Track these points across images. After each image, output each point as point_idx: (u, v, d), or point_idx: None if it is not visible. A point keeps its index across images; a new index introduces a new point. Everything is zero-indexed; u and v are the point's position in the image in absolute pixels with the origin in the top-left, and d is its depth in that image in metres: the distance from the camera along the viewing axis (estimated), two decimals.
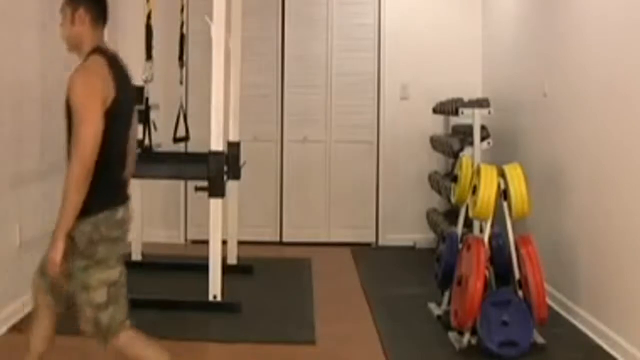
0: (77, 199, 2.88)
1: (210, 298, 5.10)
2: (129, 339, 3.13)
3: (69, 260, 3.00)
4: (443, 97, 6.80)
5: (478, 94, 6.91)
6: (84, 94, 2.91)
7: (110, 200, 3.05)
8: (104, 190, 3.00)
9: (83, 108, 2.89)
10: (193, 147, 6.29)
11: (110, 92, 2.96)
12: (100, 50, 3.06)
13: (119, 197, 3.14)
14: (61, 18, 3.12)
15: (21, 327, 4.67)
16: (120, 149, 3.13)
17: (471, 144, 5.89)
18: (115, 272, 3.07)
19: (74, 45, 3.11)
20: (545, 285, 4.44)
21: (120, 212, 3.09)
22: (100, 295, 3.03)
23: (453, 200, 5.32)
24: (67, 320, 3.22)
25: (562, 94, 5.26)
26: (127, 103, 3.15)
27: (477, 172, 4.69)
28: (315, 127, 7.39)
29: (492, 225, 4.61)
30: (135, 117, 3.30)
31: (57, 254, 2.91)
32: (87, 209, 2.94)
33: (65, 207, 2.89)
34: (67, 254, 2.96)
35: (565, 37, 5.21)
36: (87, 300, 3.04)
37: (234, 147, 6.11)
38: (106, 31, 5.13)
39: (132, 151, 3.33)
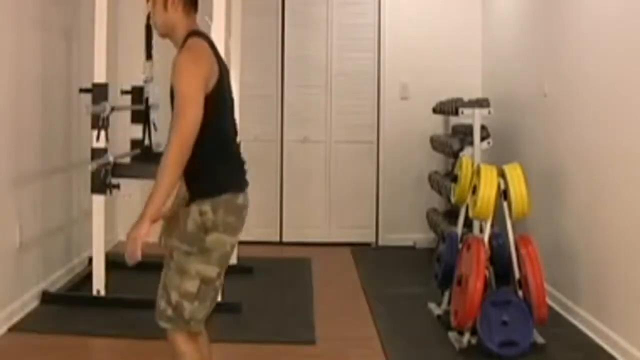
0: (170, 180, 2.81)
1: None
2: (192, 344, 3.01)
3: (171, 239, 2.94)
4: (443, 97, 6.79)
5: (478, 94, 6.91)
6: (187, 76, 2.88)
7: (230, 184, 2.97)
8: (224, 172, 2.94)
9: (186, 90, 2.86)
10: None
11: (214, 72, 2.92)
12: (198, 32, 3.03)
13: (240, 182, 3.04)
14: (150, 4, 3.10)
15: (21, 327, 4.68)
16: (233, 131, 3.07)
17: (471, 144, 5.88)
18: (213, 270, 2.95)
19: (167, 32, 3.10)
20: (545, 285, 4.44)
21: (240, 198, 2.99)
22: (192, 285, 2.92)
23: (453, 200, 5.32)
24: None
25: (562, 94, 5.26)
26: (229, 85, 3.08)
27: (477, 172, 4.69)
28: (315, 127, 7.39)
29: (492, 225, 4.61)
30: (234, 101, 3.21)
31: (142, 232, 2.79)
32: (206, 191, 2.88)
33: (158, 188, 2.80)
34: (172, 229, 2.90)
35: (565, 37, 5.21)
36: (177, 284, 2.93)
37: None
38: (106, 31, 5.15)
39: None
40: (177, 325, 2.97)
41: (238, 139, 3.22)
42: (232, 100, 3.12)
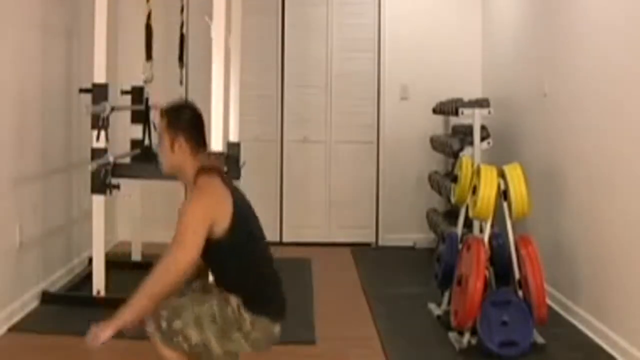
0: (144, 306, 2.87)
1: None
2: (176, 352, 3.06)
3: (216, 298, 3.01)
4: (443, 97, 6.80)
5: (478, 94, 6.91)
6: (190, 217, 2.90)
7: (270, 309, 3.09)
8: (260, 302, 3.03)
9: (185, 231, 2.89)
10: None
11: (227, 210, 2.94)
12: (207, 169, 3.03)
13: (279, 310, 3.17)
14: (157, 138, 3.11)
15: (21, 327, 4.68)
16: (266, 258, 3.15)
17: (471, 144, 5.88)
18: (218, 351, 3.01)
19: (175, 172, 3.09)
20: (545, 285, 4.44)
21: (277, 328, 3.12)
22: (194, 337, 2.96)
23: (453, 200, 5.32)
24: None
25: (562, 94, 5.26)
26: (250, 215, 3.11)
27: (477, 172, 4.69)
28: (315, 127, 7.39)
29: (492, 225, 4.61)
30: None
31: (105, 335, 2.86)
32: (249, 304, 2.98)
33: (135, 304, 2.88)
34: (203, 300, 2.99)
35: (565, 37, 5.21)
36: (186, 322, 2.97)
37: (234, 148, 6.11)
38: (106, 31, 5.14)
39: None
40: (162, 337, 3.01)
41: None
42: (260, 229, 3.17)
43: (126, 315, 2.88)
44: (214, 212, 2.94)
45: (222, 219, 2.94)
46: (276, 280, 3.19)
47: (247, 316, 3.00)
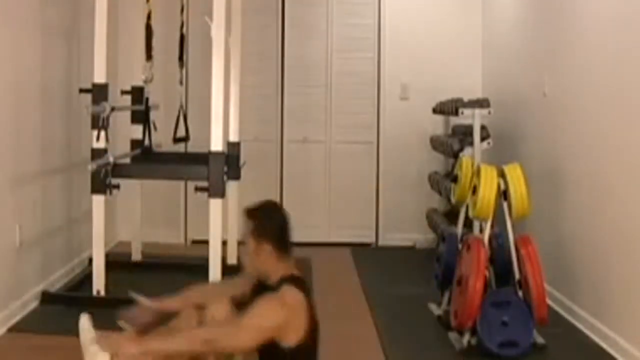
0: (180, 347, 2.83)
1: None
2: None
3: None
4: (443, 97, 6.79)
5: (478, 94, 6.91)
6: (263, 311, 2.84)
7: None
8: None
9: (254, 320, 2.83)
10: (193, 147, 6.29)
11: (300, 325, 2.92)
12: (293, 279, 2.97)
13: None
14: (245, 242, 3.05)
15: (21, 327, 4.68)
16: None
17: (471, 144, 5.88)
18: None
19: (260, 274, 3.03)
20: (545, 285, 4.43)
21: None
22: None
23: (453, 200, 5.32)
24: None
25: (562, 94, 5.26)
26: (316, 340, 3.10)
27: (477, 173, 4.69)
28: (315, 127, 7.39)
29: (492, 225, 4.61)
30: None
31: (130, 351, 2.84)
32: None
33: (171, 342, 2.85)
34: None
35: (565, 37, 5.21)
36: None
37: (234, 147, 6.11)
38: (106, 31, 5.14)
39: None
40: None
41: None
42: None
43: (157, 346, 2.85)
44: (283, 319, 2.88)
45: (293, 331, 2.91)
46: None
47: None
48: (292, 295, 2.92)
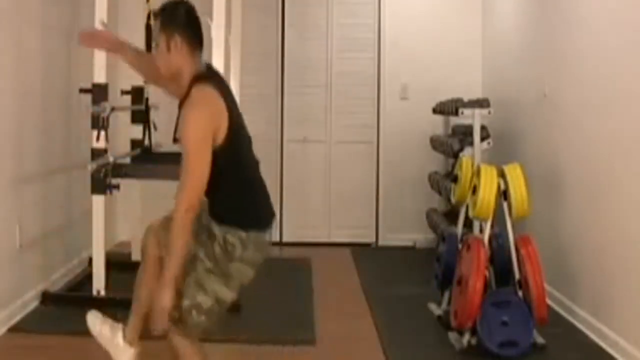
0: (184, 241, 2.84)
1: None
2: (189, 348, 3.06)
3: (198, 248, 2.96)
4: (443, 97, 6.80)
5: (478, 94, 6.91)
6: (194, 138, 2.85)
7: (258, 221, 3.02)
8: (253, 210, 2.97)
9: (192, 148, 2.85)
10: None
11: (223, 121, 2.89)
12: (203, 77, 2.97)
13: (268, 218, 3.09)
14: (154, 44, 3.04)
15: (21, 327, 4.68)
16: (254, 165, 3.08)
17: (471, 144, 5.89)
18: (229, 295, 3.02)
19: (172, 75, 3.02)
20: (545, 285, 4.44)
21: (267, 235, 3.06)
22: (204, 300, 2.97)
23: (453, 200, 5.32)
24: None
25: (562, 94, 5.26)
26: (241, 122, 3.06)
27: (477, 173, 4.69)
28: (315, 127, 7.40)
29: (492, 225, 4.61)
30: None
31: (167, 300, 2.84)
32: (235, 223, 2.92)
33: (173, 253, 2.85)
34: (201, 240, 2.94)
35: (565, 37, 5.21)
36: (192, 295, 2.96)
37: None
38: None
39: None
40: (178, 327, 3.00)
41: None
42: (249, 137, 3.13)
43: (174, 268, 2.85)
44: (212, 125, 2.87)
45: (219, 131, 2.89)
46: (264, 187, 3.12)
47: (234, 240, 2.93)
48: (202, 91, 2.91)
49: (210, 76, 3.02)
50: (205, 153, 2.85)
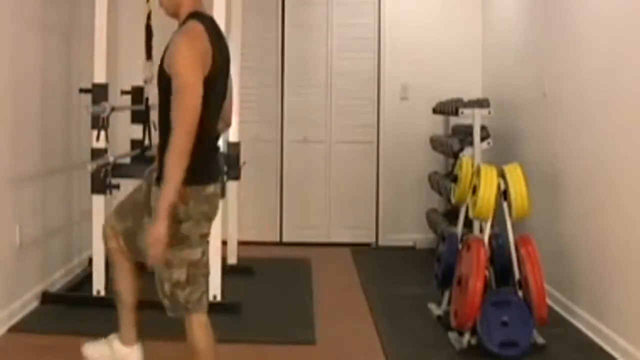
0: (180, 170, 2.79)
1: (210, 298, 5.08)
2: (200, 323, 3.09)
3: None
4: (443, 97, 6.80)
5: (478, 94, 6.91)
6: (187, 60, 2.82)
7: (201, 174, 2.96)
8: (195, 163, 2.87)
9: (186, 74, 2.80)
10: None
11: (208, 60, 2.88)
12: (198, 15, 2.97)
13: (210, 173, 3.03)
14: None
15: (21, 327, 4.68)
16: (214, 122, 3.03)
17: (471, 144, 5.89)
18: (197, 252, 3.00)
19: (172, 11, 3.02)
20: (545, 285, 4.44)
21: (210, 188, 3.00)
22: (179, 274, 2.97)
23: (453, 200, 5.32)
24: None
25: (562, 94, 5.26)
26: (223, 72, 3.03)
27: (477, 173, 4.69)
28: (315, 127, 7.40)
29: (492, 225, 4.61)
30: (230, 86, 3.14)
31: (162, 229, 2.81)
32: (187, 175, 2.86)
33: (169, 178, 2.80)
34: (150, 215, 2.92)
35: (565, 37, 5.21)
36: (167, 277, 2.98)
37: (234, 147, 6.12)
38: (106, 31, 5.14)
39: (226, 119, 3.21)
40: (178, 312, 3.05)
41: (225, 130, 3.23)
42: (224, 88, 3.08)
43: (169, 196, 2.81)
44: (201, 57, 2.86)
45: (205, 66, 2.88)
46: (215, 149, 3.11)
47: (177, 202, 2.88)
48: (194, 26, 2.91)
49: (205, 18, 3.01)
50: (198, 81, 2.82)
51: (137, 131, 6.00)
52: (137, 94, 6.01)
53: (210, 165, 3.05)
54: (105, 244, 3.29)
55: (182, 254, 2.96)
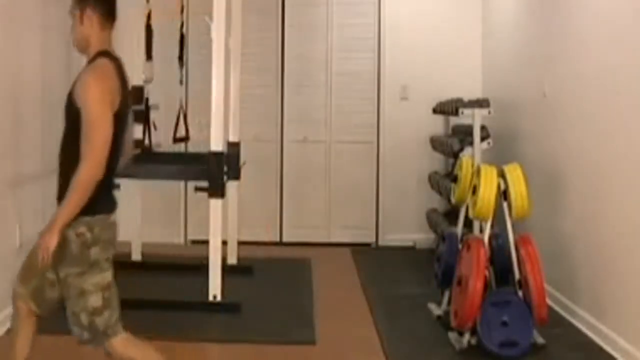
0: (82, 199, 2.91)
1: (210, 298, 5.10)
2: (124, 341, 3.16)
3: (60, 269, 3.03)
4: (443, 97, 6.80)
5: (478, 94, 6.91)
6: (97, 97, 2.92)
7: (105, 205, 3.09)
8: (100, 194, 3.01)
9: (96, 111, 2.91)
10: (193, 147, 6.29)
11: (116, 97, 2.98)
12: (106, 53, 3.07)
13: (112, 202, 3.17)
14: (71, 20, 3.13)
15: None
16: (119, 155, 3.15)
17: (471, 144, 5.89)
18: (108, 275, 3.10)
19: (82, 47, 3.12)
20: (545, 285, 4.44)
21: (112, 217, 3.13)
22: (96, 300, 3.05)
23: (453, 200, 5.32)
24: (65, 321, 3.22)
25: (562, 94, 5.26)
26: (126, 108, 3.15)
27: (477, 173, 4.69)
28: (315, 127, 7.39)
29: (492, 225, 4.61)
30: (130, 120, 3.29)
31: (53, 241, 2.92)
32: (83, 210, 2.96)
33: (69, 204, 2.92)
34: (57, 259, 2.98)
35: (565, 37, 5.21)
36: (83, 306, 3.05)
37: (234, 147, 6.11)
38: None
39: (126, 154, 3.32)
40: (99, 341, 3.11)
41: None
42: (127, 121, 3.18)
43: (65, 218, 2.94)
44: (110, 94, 2.97)
45: (114, 102, 2.98)
46: (111, 179, 3.18)
47: (82, 229, 2.99)
48: (104, 65, 3.02)
49: (113, 57, 3.09)
50: (108, 109, 2.93)
51: (137, 131, 5.99)
52: (137, 94, 6.00)
53: (112, 195, 3.18)
54: (13, 302, 3.31)
55: (95, 279, 3.05)
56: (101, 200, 3.03)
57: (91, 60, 3.06)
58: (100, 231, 3.04)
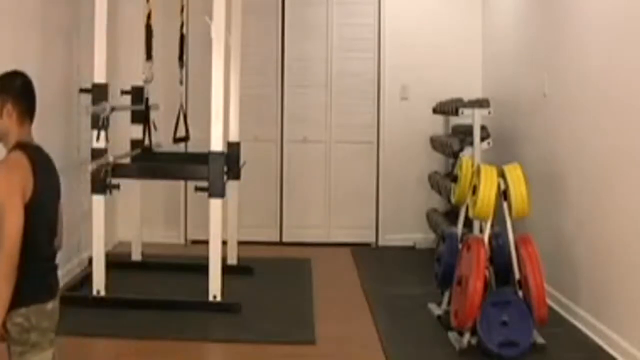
0: (7, 291, 2.91)
1: (210, 298, 5.10)
2: None
3: (9, 344, 3.05)
4: (443, 97, 6.80)
5: (478, 94, 6.91)
6: (6, 190, 2.94)
7: (39, 294, 3.07)
8: (33, 282, 3.01)
9: (6, 203, 2.93)
10: (193, 147, 6.29)
11: (28, 187, 2.99)
12: (22, 145, 3.08)
13: (48, 289, 3.14)
14: None
15: None
16: (45, 241, 3.13)
17: (471, 144, 5.89)
18: (49, 354, 3.10)
19: (1, 137, 3.13)
20: (545, 285, 4.44)
21: (49, 305, 3.10)
22: None
23: (453, 200, 5.32)
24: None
25: (562, 94, 5.26)
26: (49, 196, 3.15)
27: (477, 173, 4.69)
28: (315, 127, 7.39)
29: (492, 225, 4.61)
30: (60, 209, 3.28)
31: None
32: (17, 301, 2.96)
33: None
34: (3, 337, 3.02)
35: (565, 37, 5.21)
36: None
37: (234, 147, 6.12)
38: (106, 31, 5.14)
39: (59, 243, 3.31)
40: None
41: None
42: (53, 208, 3.17)
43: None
44: (21, 184, 2.96)
45: (25, 192, 2.97)
46: (54, 264, 3.18)
47: (19, 319, 2.99)
48: (14, 158, 3.02)
49: (32, 149, 3.10)
50: (18, 201, 2.93)
51: (137, 131, 6.00)
52: (137, 94, 6.01)
53: (48, 282, 3.15)
54: None
55: (36, 357, 3.04)
56: (34, 290, 3.03)
57: (9, 151, 3.08)
58: (37, 320, 3.04)
